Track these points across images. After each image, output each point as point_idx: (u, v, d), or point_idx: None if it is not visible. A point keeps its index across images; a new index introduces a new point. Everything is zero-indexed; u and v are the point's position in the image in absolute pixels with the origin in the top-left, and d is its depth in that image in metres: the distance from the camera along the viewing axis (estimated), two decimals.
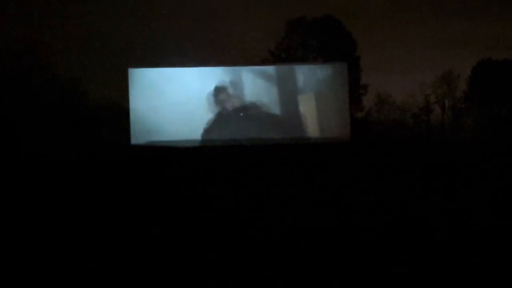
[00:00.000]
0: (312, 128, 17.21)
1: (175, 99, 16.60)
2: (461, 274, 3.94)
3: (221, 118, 16.84)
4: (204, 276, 4.00)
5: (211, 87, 16.87)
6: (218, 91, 16.89)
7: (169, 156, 14.27)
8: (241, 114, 16.93)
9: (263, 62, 22.93)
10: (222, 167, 11.96)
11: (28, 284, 3.86)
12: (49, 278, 3.97)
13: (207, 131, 16.74)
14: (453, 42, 28.61)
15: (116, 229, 5.61)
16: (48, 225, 5.89)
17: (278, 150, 15.09)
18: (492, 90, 24.07)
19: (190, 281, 3.93)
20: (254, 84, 17.11)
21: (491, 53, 25.05)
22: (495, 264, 4.17)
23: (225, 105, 16.92)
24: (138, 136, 16.49)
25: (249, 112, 17.01)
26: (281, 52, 24.55)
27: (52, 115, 18.18)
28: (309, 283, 3.79)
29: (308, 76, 17.46)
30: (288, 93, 17.20)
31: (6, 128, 16.39)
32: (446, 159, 13.60)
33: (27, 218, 6.20)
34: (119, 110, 18.43)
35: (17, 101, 18.29)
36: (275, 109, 17.14)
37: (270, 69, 18.19)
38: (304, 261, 4.31)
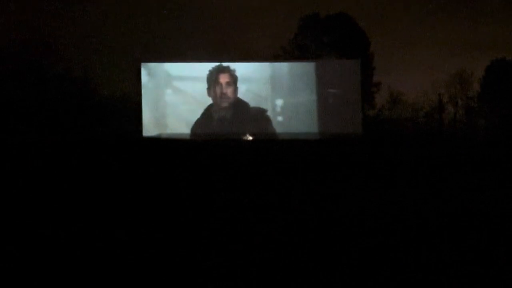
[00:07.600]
0: (324, 124, 17.18)
1: (186, 93, 16.76)
2: (468, 274, 3.91)
3: (232, 112, 16.87)
4: (210, 262, 4.02)
5: (222, 82, 16.89)
6: (230, 86, 16.91)
7: (180, 148, 14.33)
8: (253, 108, 16.95)
9: (275, 58, 22.92)
10: (232, 161, 11.99)
11: (37, 276, 3.88)
12: (59, 268, 3.99)
13: (217, 124, 16.79)
14: (467, 42, 28.50)
15: (127, 217, 5.67)
16: (60, 213, 5.97)
17: (289, 146, 15.08)
18: (505, 90, 23.88)
19: (196, 270, 3.96)
20: (265, 80, 17.11)
21: (504, 53, 24.91)
22: (504, 264, 4.14)
23: (237, 100, 16.94)
24: (150, 128, 16.68)
25: (261, 107, 17.02)
26: (294, 49, 24.54)
27: (66, 106, 18.37)
28: (315, 282, 3.75)
29: (321, 72, 17.42)
30: (301, 89, 17.18)
31: (20, 121, 16.55)
32: (458, 158, 13.52)
33: (39, 209, 6.28)
34: (131, 103, 18.64)
35: (31, 94, 18.47)
36: (287, 105, 17.12)
37: (283, 65, 18.18)
38: (312, 257, 4.30)
